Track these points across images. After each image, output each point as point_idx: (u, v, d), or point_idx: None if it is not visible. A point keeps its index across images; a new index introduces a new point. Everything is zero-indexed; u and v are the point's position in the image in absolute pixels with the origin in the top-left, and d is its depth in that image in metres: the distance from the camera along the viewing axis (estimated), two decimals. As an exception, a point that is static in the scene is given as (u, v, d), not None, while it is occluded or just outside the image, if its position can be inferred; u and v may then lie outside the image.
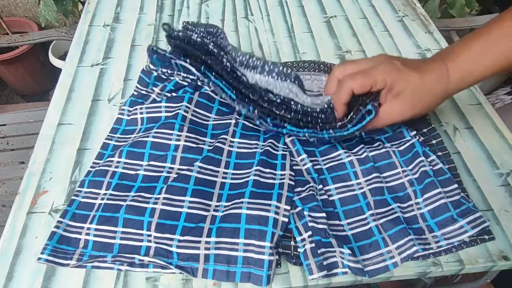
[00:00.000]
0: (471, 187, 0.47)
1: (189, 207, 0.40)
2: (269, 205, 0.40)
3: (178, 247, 0.38)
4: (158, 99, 0.52)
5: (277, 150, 0.47)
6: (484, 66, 0.40)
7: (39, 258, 0.38)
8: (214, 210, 0.41)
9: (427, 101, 0.41)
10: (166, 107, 0.49)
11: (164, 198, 0.41)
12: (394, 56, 0.42)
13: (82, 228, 0.41)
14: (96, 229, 0.40)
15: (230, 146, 0.47)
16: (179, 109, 0.48)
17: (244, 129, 0.48)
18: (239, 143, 0.47)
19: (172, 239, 0.39)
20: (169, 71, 0.53)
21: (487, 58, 0.40)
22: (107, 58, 0.62)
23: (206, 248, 0.38)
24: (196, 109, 0.49)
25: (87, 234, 0.40)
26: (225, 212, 0.40)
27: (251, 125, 0.49)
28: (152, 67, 0.54)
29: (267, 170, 0.44)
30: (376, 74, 0.39)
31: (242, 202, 0.40)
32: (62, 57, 1.37)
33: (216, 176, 0.44)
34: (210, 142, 0.47)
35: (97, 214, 0.41)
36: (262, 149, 0.46)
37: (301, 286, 0.39)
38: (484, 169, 0.49)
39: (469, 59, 0.40)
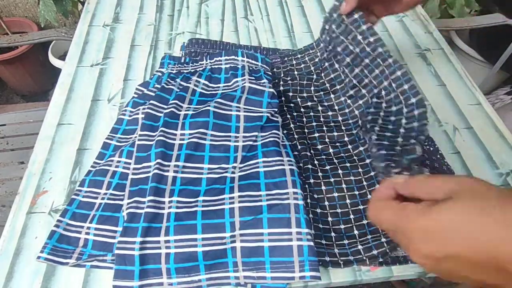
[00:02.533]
0: (471, 187, 0.47)
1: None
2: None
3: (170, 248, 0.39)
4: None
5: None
6: None
7: (39, 257, 0.38)
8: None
9: None
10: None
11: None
12: None
13: (82, 227, 0.41)
14: (96, 229, 0.40)
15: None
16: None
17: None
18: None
19: (163, 241, 0.39)
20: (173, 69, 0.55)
21: None
22: (107, 58, 0.62)
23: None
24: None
25: (87, 233, 0.40)
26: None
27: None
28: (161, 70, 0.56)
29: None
30: None
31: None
32: (62, 57, 1.37)
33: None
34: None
35: (97, 214, 0.41)
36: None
37: (301, 286, 0.39)
38: (484, 169, 0.49)
39: None
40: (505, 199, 0.22)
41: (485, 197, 0.23)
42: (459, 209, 0.23)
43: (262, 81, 0.51)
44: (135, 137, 0.48)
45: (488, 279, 0.22)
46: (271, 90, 0.50)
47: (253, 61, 0.56)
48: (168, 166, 0.43)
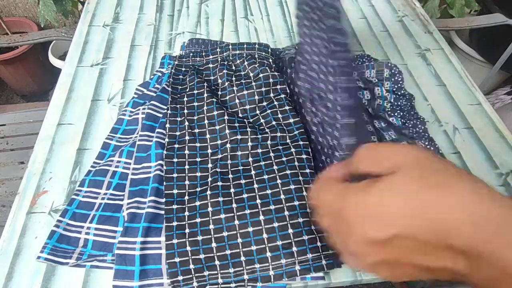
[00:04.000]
0: (471, 187, 0.47)
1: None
2: (145, 202, 0.41)
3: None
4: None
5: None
6: None
7: (39, 257, 0.38)
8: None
9: None
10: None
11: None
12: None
13: (82, 227, 0.41)
14: (96, 229, 0.40)
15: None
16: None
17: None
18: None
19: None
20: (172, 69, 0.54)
21: None
22: (107, 58, 0.62)
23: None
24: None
25: (87, 233, 0.40)
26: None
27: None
28: (161, 70, 0.57)
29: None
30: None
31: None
32: (62, 57, 1.37)
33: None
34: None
35: (97, 214, 0.41)
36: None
37: (301, 286, 0.39)
38: (483, 169, 0.49)
39: None
40: (452, 172, 0.20)
41: (428, 170, 0.20)
42: (401, 185, 0.20)
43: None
44: (135, 137, 0.48)
45: (441, 262, 0.19)
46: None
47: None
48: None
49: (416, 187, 0.19)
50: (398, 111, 0.52)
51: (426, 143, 0.48)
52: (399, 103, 0.54)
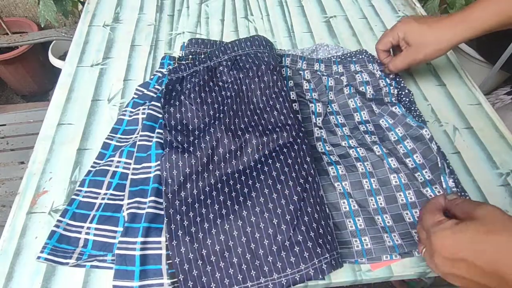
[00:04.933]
0: (471, 187, 0.47)
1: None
2: (145, 203, 0.41)
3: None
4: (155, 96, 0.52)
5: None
6: (485, 20, 0.49)
7: (39, 257, 0.38)
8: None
9: (432, 48, 0.50)
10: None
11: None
12: (414, 17, 0.53)
13: (82, 227, 0.41)
14: (96, 229, 0.40)
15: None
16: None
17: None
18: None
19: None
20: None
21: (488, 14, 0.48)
22: (107, 58, 0.62)
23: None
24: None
25: (87, 233, 0.40)
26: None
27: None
28: (161, 70, 0.57)
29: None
30: (391, 32, 0.52)
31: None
32: (62, 57, 1.37)
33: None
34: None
35: (97, 214, 0.41)
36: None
37: (301, 286, 0.39)
38: (484, 169, 0.49)
39: (473, 14, 0.49)
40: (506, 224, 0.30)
41: (497, 222, 0.31)
42: (473, 229, 0.31)
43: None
44: (135, 137, 0.48)
45: (489, 283, 0.30)
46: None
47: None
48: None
49: (478, 231, 0.31)
50: (404, 98, 0.53)
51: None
52: (401, 92, 0.55)
